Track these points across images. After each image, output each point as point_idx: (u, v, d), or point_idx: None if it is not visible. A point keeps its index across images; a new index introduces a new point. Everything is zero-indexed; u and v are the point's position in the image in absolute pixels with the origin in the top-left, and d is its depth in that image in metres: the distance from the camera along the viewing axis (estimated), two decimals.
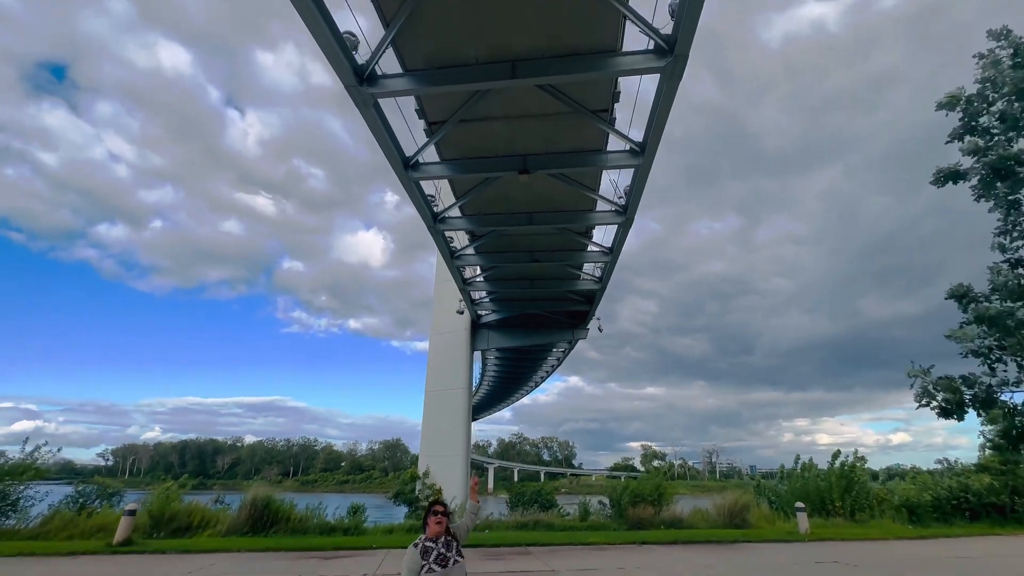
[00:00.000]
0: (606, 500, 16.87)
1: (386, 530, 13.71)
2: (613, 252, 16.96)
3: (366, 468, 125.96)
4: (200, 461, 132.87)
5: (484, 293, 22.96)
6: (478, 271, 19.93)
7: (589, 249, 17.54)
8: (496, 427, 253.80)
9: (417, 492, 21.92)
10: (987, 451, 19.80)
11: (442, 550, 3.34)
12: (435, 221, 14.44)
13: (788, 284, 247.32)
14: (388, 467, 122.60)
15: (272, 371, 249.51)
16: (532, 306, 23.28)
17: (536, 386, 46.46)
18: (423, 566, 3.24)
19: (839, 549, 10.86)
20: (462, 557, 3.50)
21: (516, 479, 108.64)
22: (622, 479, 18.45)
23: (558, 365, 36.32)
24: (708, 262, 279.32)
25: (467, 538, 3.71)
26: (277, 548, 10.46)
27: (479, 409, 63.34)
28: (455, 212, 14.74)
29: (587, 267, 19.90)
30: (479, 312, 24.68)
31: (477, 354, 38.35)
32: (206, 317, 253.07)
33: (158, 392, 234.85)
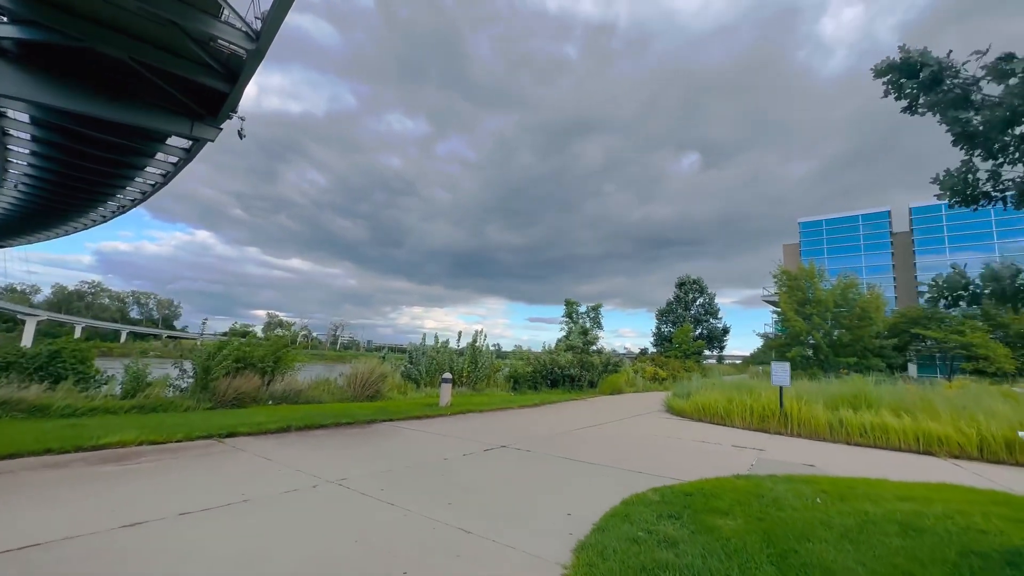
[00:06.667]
0: (189, 366, 10.93)
1: None
2: None
3: None
4: None
5: None
6: None
7: None
8: (61, 271, 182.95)
9: None
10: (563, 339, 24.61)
11: None
12: None
13: (446, 197, 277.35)
14: None
15: None
16: (110, 40, 12.78)
17: (122, 210, 31.36)
18: None
19: (486, 423, 9.32)
20: None
21: (80, 336, 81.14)
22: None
23: (165, 182, 24.49)
24: (390, 155, 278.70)
25: None
26: None
27: (6, 229, 40.13)
28: None
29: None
30: None
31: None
32: None
33: None
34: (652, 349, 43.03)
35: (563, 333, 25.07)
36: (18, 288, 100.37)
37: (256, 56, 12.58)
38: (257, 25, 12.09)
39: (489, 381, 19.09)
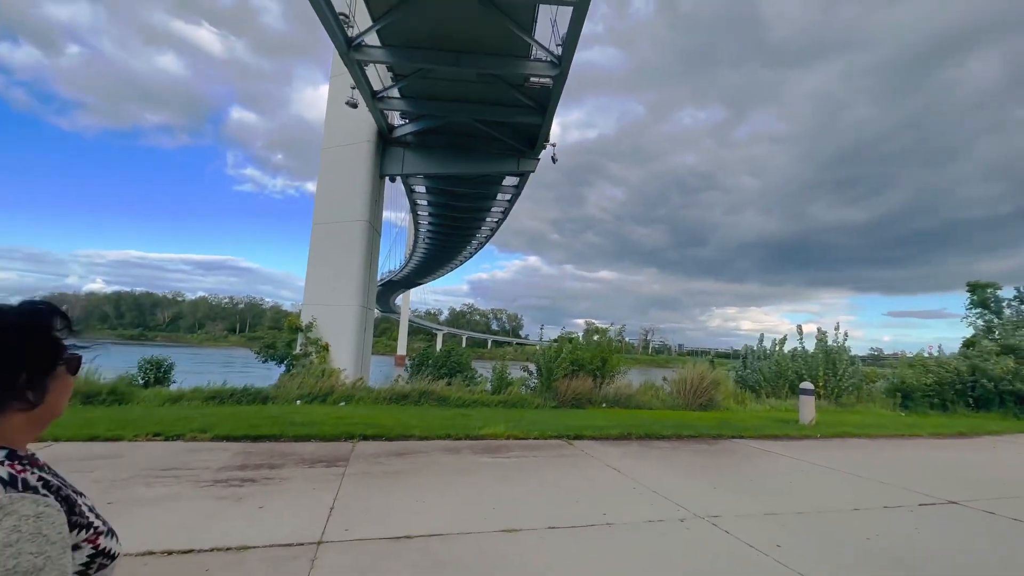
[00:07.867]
0: (533, 367, 12.30)
1: (171, 398, 8.52)
2: None
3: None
4: (139, 313, 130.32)
5: (390, 77, 15.61)
6: (371, 27, 12.45)
7: None
8: (450, 298, 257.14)
9: (298, 347, 16.93)
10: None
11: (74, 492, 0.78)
12: None
13: (753, 183, 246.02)
14: None
15: (223, 230, 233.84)
16: (460, 111, 16.28)
17: (480, 246, 40.80)
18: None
19: (885, 456, 6.53)
20: None
21: (464, 345, 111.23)
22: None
23: (504, 218, 30.27)
24: (682, 153, 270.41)
25: None
26: None
27: (418, 274, 58.52)
28: None
29: (540, 32, 12.86)
30: (387, 117, 17.54)
31: (404, 207, 31.63)
32: (146, 166, 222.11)
33: (96, 243, 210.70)
34: None
35: (978, 327, 17.04)
36: (432, 312, 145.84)
37: (560, 80, 13.51)
38: (558, 51, 12.94)
39: (859, 394, 14.53)
